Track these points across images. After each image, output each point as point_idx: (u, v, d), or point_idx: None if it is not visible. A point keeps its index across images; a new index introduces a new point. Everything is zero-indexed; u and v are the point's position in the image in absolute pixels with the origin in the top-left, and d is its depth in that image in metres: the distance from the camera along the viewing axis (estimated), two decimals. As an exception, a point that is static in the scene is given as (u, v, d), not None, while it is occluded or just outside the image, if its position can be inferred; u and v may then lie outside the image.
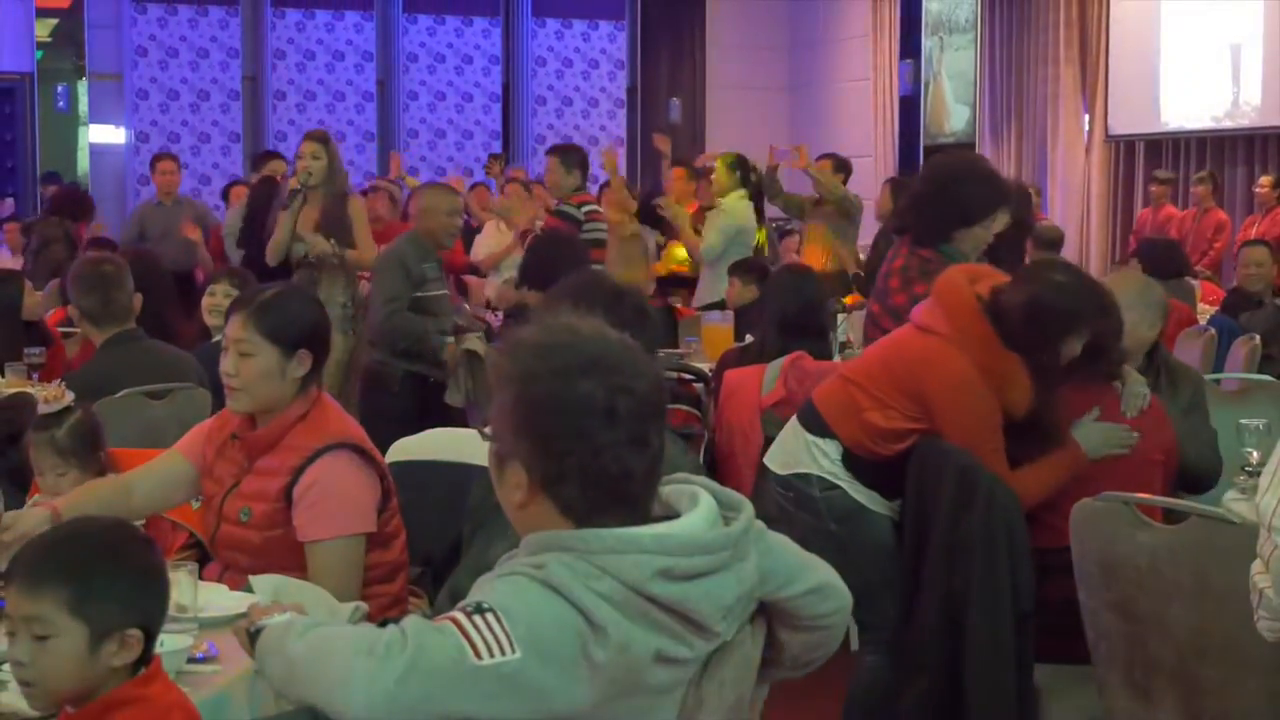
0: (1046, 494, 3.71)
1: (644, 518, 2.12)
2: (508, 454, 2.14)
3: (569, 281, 3.53)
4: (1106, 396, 3.84)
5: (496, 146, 15.55)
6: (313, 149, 7.10)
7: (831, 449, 3.85)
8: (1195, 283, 9.23)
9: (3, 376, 5.75)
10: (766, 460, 4.06)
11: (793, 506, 3.87)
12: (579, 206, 7.99)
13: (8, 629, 2.24)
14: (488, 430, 2.21)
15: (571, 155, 8.24)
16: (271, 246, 7.11)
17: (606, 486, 2.10)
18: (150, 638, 2.24)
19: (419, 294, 6.33)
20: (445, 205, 6.52)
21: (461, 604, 2.06)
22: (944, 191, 4.47)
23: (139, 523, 3.54)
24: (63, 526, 2.36)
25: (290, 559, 3.23)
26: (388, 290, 6.37)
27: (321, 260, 6.95)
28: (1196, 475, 4.03)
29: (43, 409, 3.64)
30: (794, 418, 4.02)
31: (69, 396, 3.67)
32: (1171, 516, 3.35)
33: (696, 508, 2.14)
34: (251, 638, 2.21)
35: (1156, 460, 3.80)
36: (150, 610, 2.25)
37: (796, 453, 3.92)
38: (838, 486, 3.84)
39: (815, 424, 3.90)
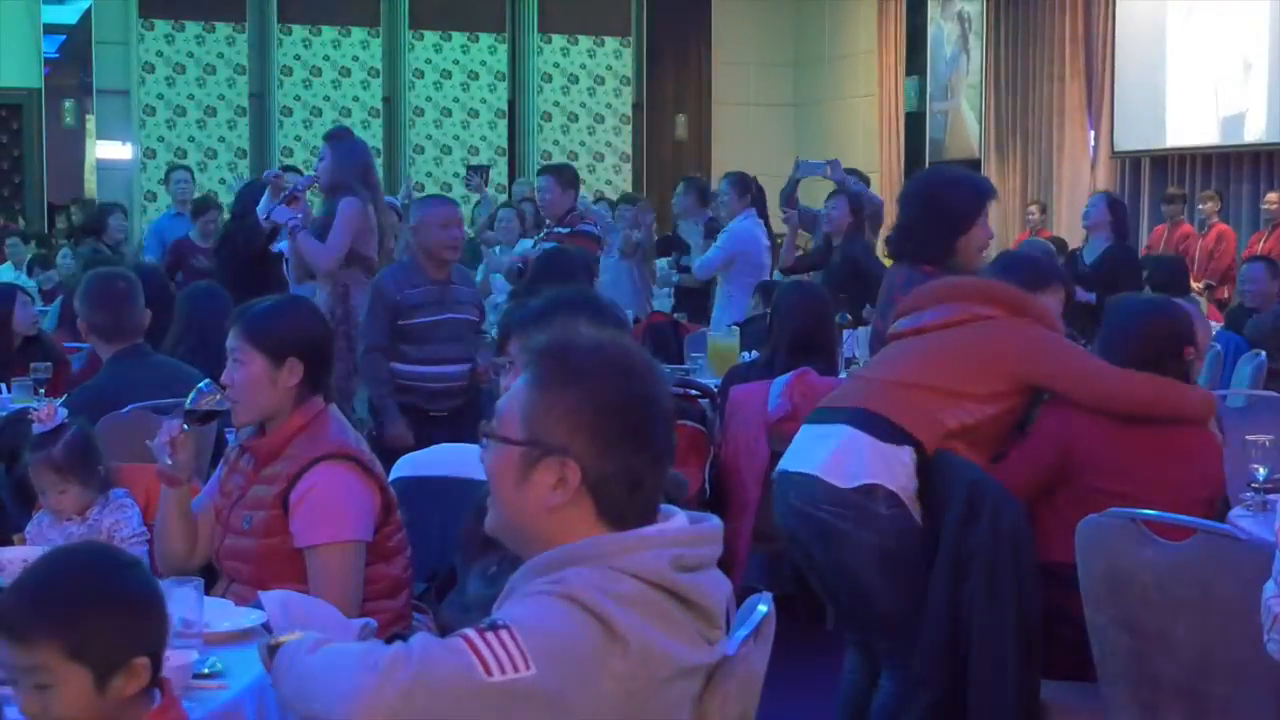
0: (1161, 400, 3.77)
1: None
2: (553, 451, 2.13)
3: (558, 297, 3.50)
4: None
5: (502, 162, 15.57)
6: (320, 150, 6.48)
7: (909, 457, 3.71)
8: (1202, 299, 9.26)
9: (9, 392, 5.77)
10: (824, 475, 3.75)
11: (851, 525, 3.69)
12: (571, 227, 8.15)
13: (9, 678, 2.15)
14: (500, 432, 2.19)
15: (566, 174, 8.40)
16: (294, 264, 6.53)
17: (643, 491, 2.15)
18: (157, 660, 2.18)
19: (404, 323, 5.83)
20: (439, 217, 5.94)
21: (477, 623, 2.06)
22: (927, 211, 4.52)
23: (145, 538, 3.56)
24: (44, 566, 2.21)
25: (289, 568, 3.24)
26: (363, 325, 6.02)
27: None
28: None
29: (37, 428, 3.65)
30: (848, 430, 3.77)
31: (62, 414, 3.68)
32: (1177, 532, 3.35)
33: (676, 516, 2.20)
34: (272, 655, 2.21)
35: (1201, 497, 3.76)
36: (152, 634, 2.18)
37: (867, 463, 3.71)
38: (903, 505, 3.72)
39: (889, 432, 3.72)
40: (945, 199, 4.52)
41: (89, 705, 2.11)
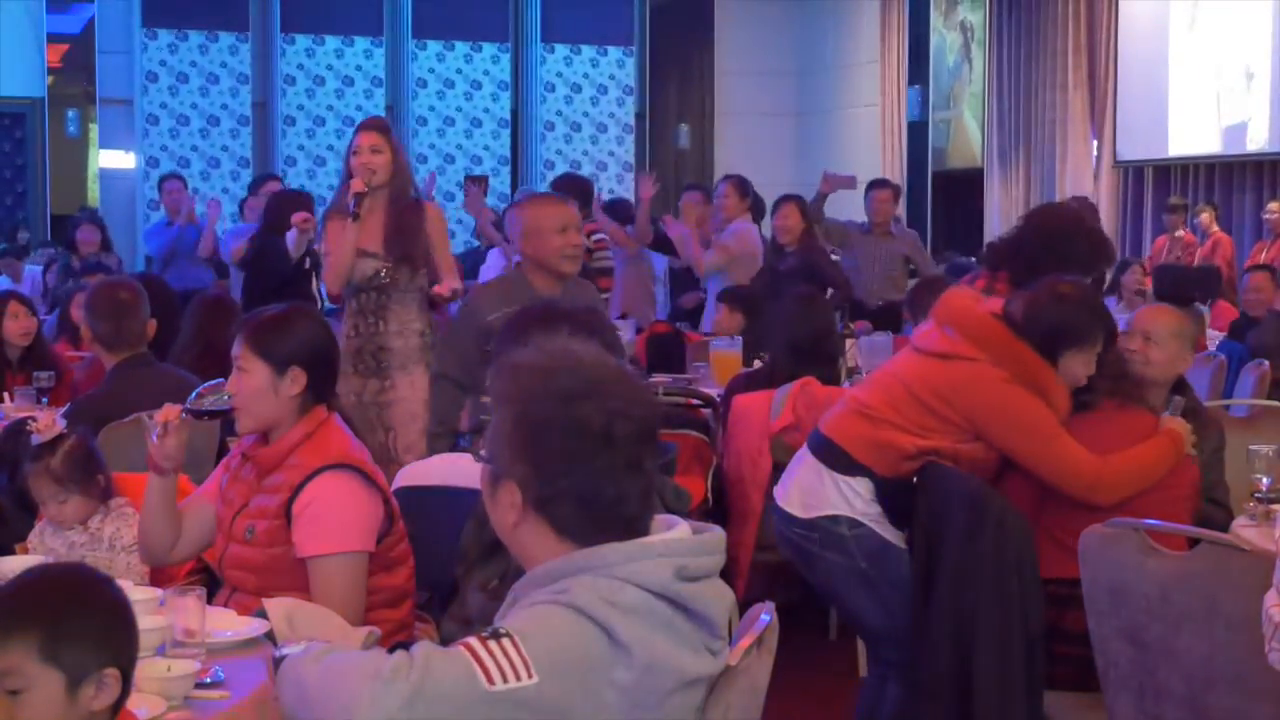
0: (1141, 484, 3.70)
1: (640, 537, 2.16)
2: (503, 474, 2.16)
3: (529, 310, 3.51)
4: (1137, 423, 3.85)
5: (505, 172, 15.59)
6: (372, 141, 5.57)
7: (864, 487, 3.78)
8: (1205, 308, 9.26)
9: (11, 401, 5.76)
10: (784, 505, 3.93)
11: (817, 547, 3.81)
12: (588, 235, 8.13)
13: None
14: (482, 451, 2.22)
15: (565, 185, 8.41)
16: (332, 270, 5.71)
17: (602, 508, 2.14)
18: (126, 677, 2.17)
19: (490, 349, 4.84)
20: (555, 220, 4.87)
21: (480, 631, 2.07)
22: (1051, 250, 4.26)
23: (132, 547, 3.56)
24: (20, 576, 2.24)
25: (293, 578, 3.24)
26: (440, 347, 5.22)
27: (393, 280, 5.63)
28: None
29: (36, 439, 3.65)
30: (809, 457, 3.90)
31: (60, 425, 3.68)
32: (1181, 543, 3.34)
33: (679, 525, 2.20)
34: (276, 665, 2.21)
35: (1184, 495, 3.77)
36: (123, 648, 2.18)
37: (823, 494, 3.82)
38: (865, 525, 3.78)
39: (843, 463, 3.81)
40: (1072, 247, 4.28)
41: (60, 715, 2.11)
